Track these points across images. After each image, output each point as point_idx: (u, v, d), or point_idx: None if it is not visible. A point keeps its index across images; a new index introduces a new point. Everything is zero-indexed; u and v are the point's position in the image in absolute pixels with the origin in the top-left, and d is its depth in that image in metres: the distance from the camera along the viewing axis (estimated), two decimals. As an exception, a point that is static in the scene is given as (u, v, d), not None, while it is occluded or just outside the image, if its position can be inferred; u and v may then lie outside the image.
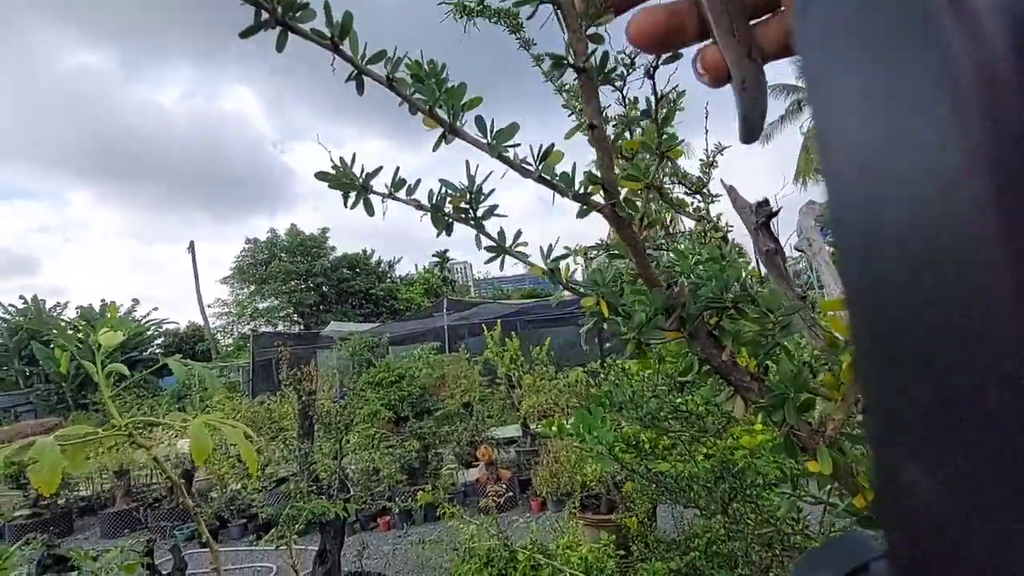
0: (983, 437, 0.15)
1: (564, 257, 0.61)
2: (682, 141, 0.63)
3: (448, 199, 0.60)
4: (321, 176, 0.59)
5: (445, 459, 7.31)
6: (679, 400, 1.45)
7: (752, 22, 0.35)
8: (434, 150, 0.56)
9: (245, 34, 0.48)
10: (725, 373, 0.55)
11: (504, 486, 5.31)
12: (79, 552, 3.47)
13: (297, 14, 0.49)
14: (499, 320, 9.42)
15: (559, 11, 0.48)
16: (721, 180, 1.48)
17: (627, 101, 1.09)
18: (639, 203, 0.58)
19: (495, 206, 0.59)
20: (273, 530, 3.43)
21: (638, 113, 0.70)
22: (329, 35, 0.52)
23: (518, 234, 0.60)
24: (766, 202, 1.31)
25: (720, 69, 0.35)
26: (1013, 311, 0.14)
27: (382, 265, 32.42)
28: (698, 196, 1.63)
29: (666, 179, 1.60)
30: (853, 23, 0.18)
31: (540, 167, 0.56)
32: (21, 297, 23.01)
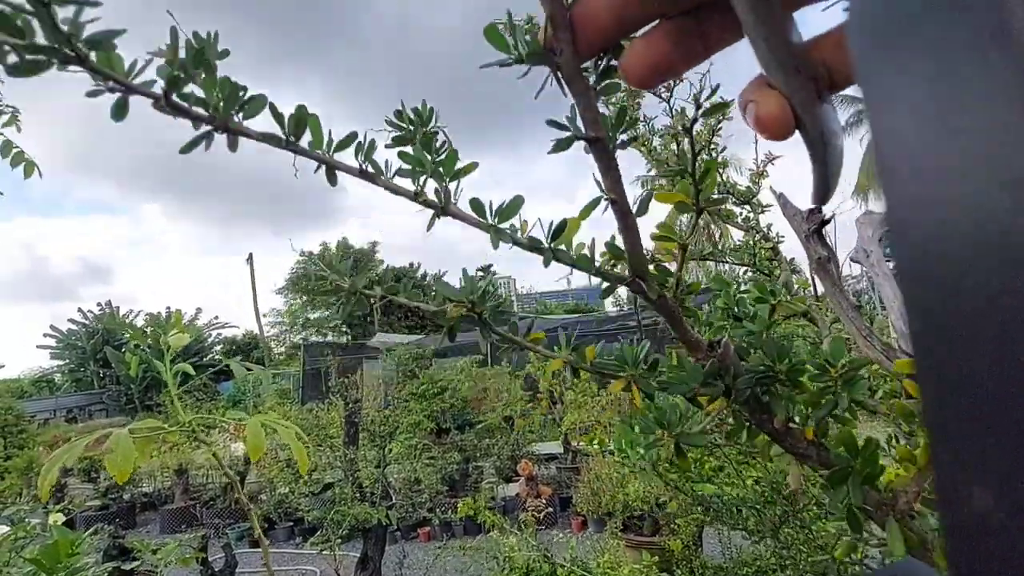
0: None
1: (576, 348, 0.56)
2: (723, 199, 0.57)
3: (452, 304, 0.56)
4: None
5: (485, 472, 7.30)
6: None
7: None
8: (428, 230, 0.52)
9: (184, 150, 0.43)
10: (779, 440, 0.50)
11: (544, 501, 5.25)
12: (141, 544, 3.67)
13: (244, 108, 0.42)
14: (543, 334, 9.39)
15: (557, 72, 0.37)
16: (771, 188, 1.45)
17: (673, 111, 1.08)
18: (672, 267, 0.52)
19: (499, 304, 0.55)
20: (318, 533, 3.52)
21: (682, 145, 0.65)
22: (283, 136, 0.45)
23: (531, 326, 0.57)
24: (818, 209, 1.27)
25: (785, 123, 0.28)
26: None
27: (428, 278, 33.01)
28: (747, 206, 1.60)
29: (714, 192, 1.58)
30: (914, 17, 0.17)
31: (552, 244, 0.50)
32: (99, 304, 24.82)
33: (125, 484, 7.72)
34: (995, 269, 0.15)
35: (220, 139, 0.44)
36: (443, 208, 0.50)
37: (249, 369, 1.53)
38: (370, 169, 0.49)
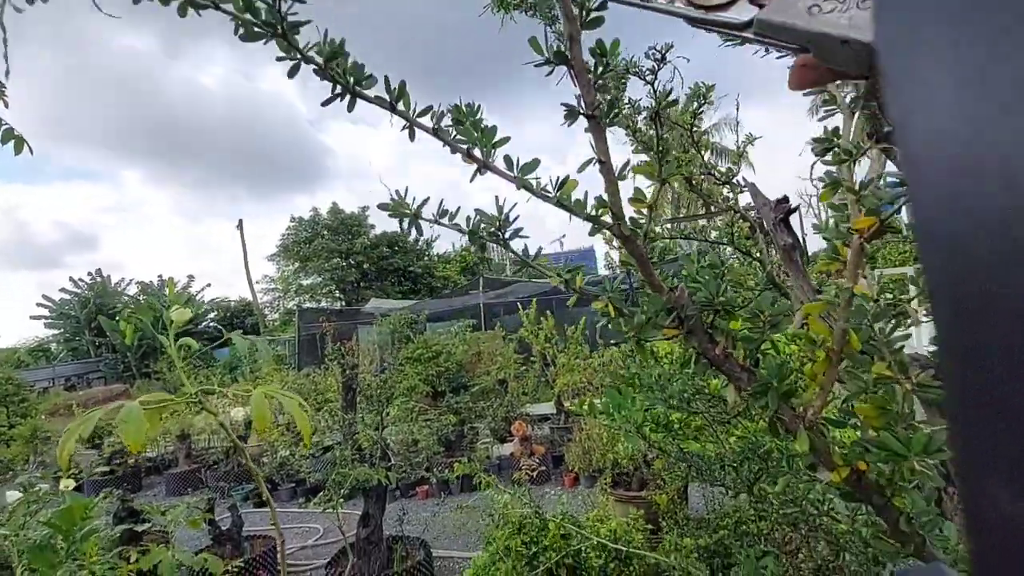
0: None
1: (578, 268, 0.67)
2: (679, 170, 0.69)
3: (482, 226, 0.67)
4: (383, 207, 0.68)
5: (481, 433, 7.51)
6: (701, 381, 1.49)
7: None
8: (471, 181, 0.63)
9: (326, 103, 0.62)
10: (719, 365, 0.62)
11: (537, 460, 5.45)
12: (150, 506, 3.81)
13: (363, 82, 0.63)
14: (534, 299, 9.49)
15: (571, 70, 0.59)
16: (743, 178, 1.49)
17: (657, 93, 1.12)
18: (643, 222, 0.64)
19: (519, 229, 0.67)
20: (320, 494, 3.66)
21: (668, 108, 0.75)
22: (388, 99, 0.64)
23: (539, 251, 0.67)
24: (785, 199, 1.32)
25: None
26: None
27: (420, 244, 32.87)
28: (727, 187, 1.64)
29: (696, 170, 1.62)
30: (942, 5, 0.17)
31: (558, 194, 0.65)
32: (89, 273, 24.60)
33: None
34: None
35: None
36: (485, 163, 0.65)
37: (251, 342, 1.59)
38: (440, 132, 0.66)
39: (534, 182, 0.63)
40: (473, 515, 2.75)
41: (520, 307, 8.79)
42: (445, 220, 0.68)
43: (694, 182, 1.54)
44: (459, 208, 0.67)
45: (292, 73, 0.62)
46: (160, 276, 24.98)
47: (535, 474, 3.76)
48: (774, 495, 1.29)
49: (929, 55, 0.17)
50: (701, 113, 1.52)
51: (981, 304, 0.16)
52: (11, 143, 1.90)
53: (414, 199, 0.68)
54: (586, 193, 0.64)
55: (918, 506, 0.56)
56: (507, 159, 0.64)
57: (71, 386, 17.92)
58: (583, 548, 1.99)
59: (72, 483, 2.71)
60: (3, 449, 7.20)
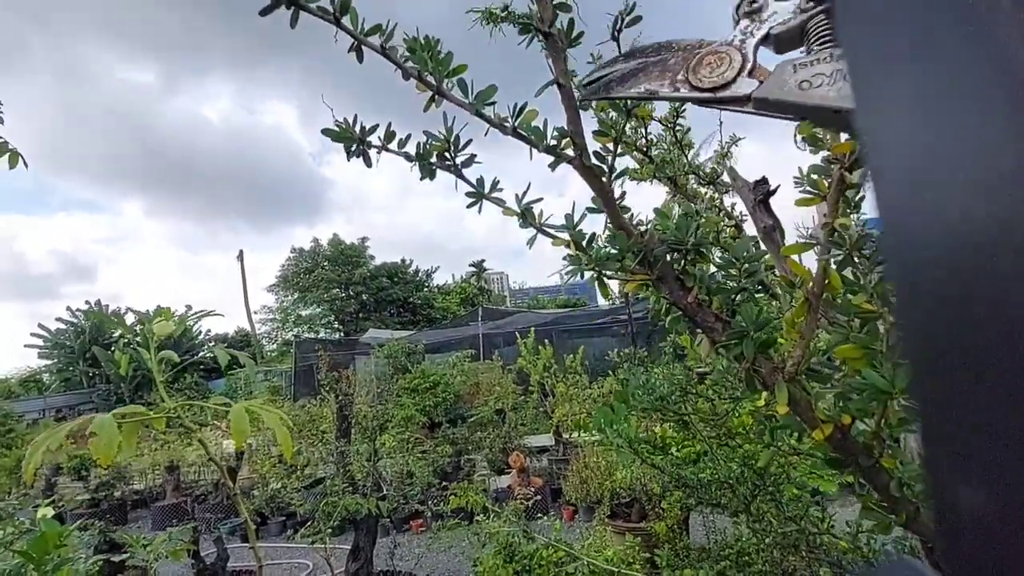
0: None
1: (537, 201, 0.65)
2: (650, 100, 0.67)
3: (432, 149, 0.65)
4: (327, 132, 0.66)
5: (478, 465, 7.35)
6: (686, 380, 1.45)
7: None
8: (424, 111, 0.61)
9: (263, 12, 0.57)
10: (691, 314, 0.59)
11: (534, 490, 5.30)
12: (131, 538, 3.67)
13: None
14: (533, 329, 9.43)
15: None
16: (730, 165, 1.49)
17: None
18: (608, 157, 0.61)
19: (473, 155, 0.64)
20: (308, 524, 3.54)
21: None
22: (331, 11, 0.60)
23: (495, 182, 0.65)
24: (764, 180, 1.31)
25: None
26: None
27: (419, 275, 32.99)
28: (712, 186, 1.64)
29: (680, 172, 1.62)
30: (900, 21, 0.18)
31: (516, 122, 0.62)
32: (87, 302, 24.56)
33: (116, 481, 7.68)
34: (994, 274, 0.15)
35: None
36: (438, 89, 0.62)
37: (233, 356, 1.55)
38: (388, 50, 0.64)
39: (492, 114, 0.61)
40: (461, 534, 2.65)
41: (519, 337, 8.73)
42: (393, 146, 0.65)
43: (678, 183, 1.54)
44: (408, 135, 0.65)
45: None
46: (157, 306, 24.89)
47: (531, 503, 3.64)
48: (771, 511, 1.23)
49: (893, 122, 0.19)
50: (684, 110, 1.53)
51: (943, 315, 0.16)
52: (10, 172, 1.91)
53: (362, 126, 0.65)
54: (545, 122, 0.61)
55: (908, 469, 0.52)
56: (461, 83, 0.61)
57: (61, 417, 17.62)
58: (575, 570, 1.90)
59: (51, 511, 2.61)
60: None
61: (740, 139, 1.63)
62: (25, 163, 1.92)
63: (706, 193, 1.61)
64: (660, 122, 1.52)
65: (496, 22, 1.36)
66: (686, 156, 1.54)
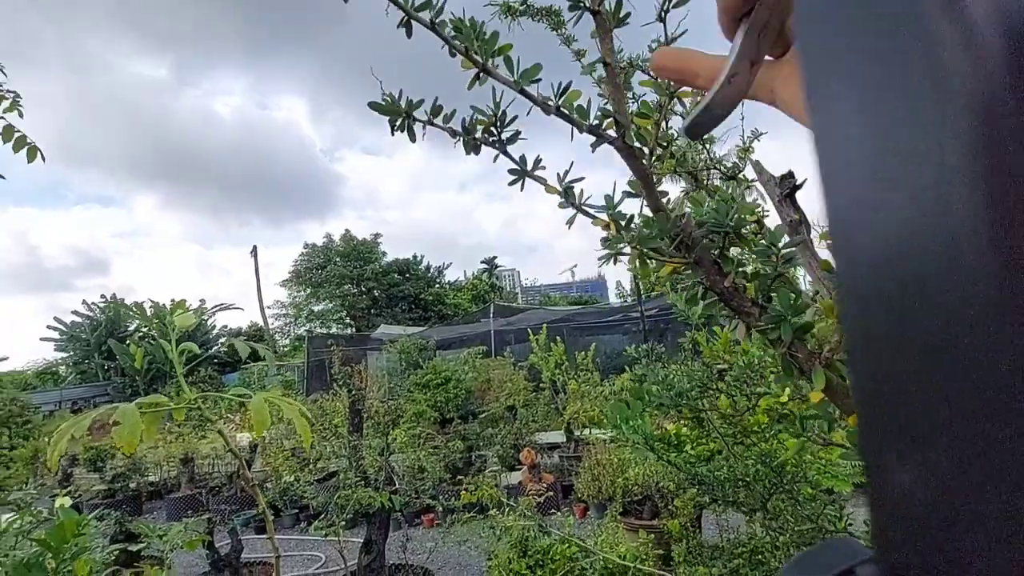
0: (968, 439, 0.15)
1: (579, 180, 0.65)
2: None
3: (478, 123, 0.65)
4: (373, 105, 0.66)
5: (489, 461, 7.36)
6: (706, 376, 1.43)
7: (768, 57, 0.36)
8: (469, 88, 0.61)
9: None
10: (727, 299, 0.58)
11: (546, 486, 5.30)
12: (147, 528, 3.73)
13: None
14: (545, 326, 9.42)
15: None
16: (750, 159, 1.46)
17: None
18: (649, 139, 0.60)
19: (518, 132, 0.64)
20: (321, 517, 3.57)
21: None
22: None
23: (538, 160, 0.65)
24: (791, 174, 1.29)
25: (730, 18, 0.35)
26: (998, 319, 0.14)
27: (431, 271, 33.08)
28: (733, 182, 1.61)
29: (701, 167, 1.59)
30: (850, 29, 0.18)
31: (560, 102, 0.62)
32: (102, 296, 24.96)
33: (131, 473, 7.80)
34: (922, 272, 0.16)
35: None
36: (484, 67, 0.63)
37: (252, 348, 1.56)
38: (437, 26, 0.65)
39: (536, 94, 0.60)
40: (475, 528, 2.65)
41: (531, 334, 8.73)
42: (439, 120, 0.65)
43: (699, 178, 1.51)
44: (454, 111, 0.65)
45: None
46: (172, 300, 25.24)
47: (542, 499, 3.64)
48: (788, 509, 1.21)
49: (833, 124, 0.19)
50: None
51: (878, 308, 0.18)
52: (25, 166, 1.94)
53: (409, 100, 0.65)
54: (589, 101, 0.60)
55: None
56: (507, 60, 0.61)
57: (77, 409, 17.95)
58: (589, 566, 1.90)
59: (68, 501, 2.66)
60: (1, 471, 7.17)
61: (762, 134, 1.60)
62: (43, 157, 1.95)
63: (727, 189, 1.58)
64: (681, 116, 1.50)
65: (514, 15, 1.35)
66: (707, 151, 1.52)
